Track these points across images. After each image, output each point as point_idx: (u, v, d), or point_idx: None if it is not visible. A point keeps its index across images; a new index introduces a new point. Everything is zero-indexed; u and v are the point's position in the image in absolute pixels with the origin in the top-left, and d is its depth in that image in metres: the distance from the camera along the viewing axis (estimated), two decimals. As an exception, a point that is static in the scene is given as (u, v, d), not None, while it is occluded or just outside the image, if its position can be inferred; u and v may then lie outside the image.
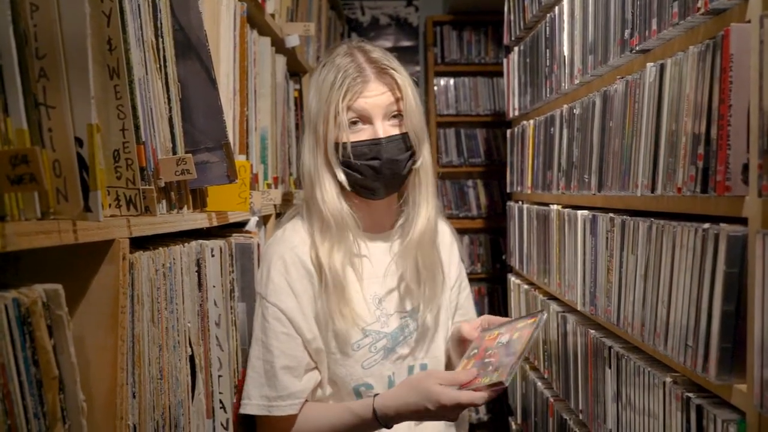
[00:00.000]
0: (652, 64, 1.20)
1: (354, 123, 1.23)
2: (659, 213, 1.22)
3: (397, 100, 1.25)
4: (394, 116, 1.25)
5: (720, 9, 1.03)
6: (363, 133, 1.24)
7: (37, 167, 0.55)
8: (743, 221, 0.95)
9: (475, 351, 1.20)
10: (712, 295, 0.98)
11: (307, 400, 1.27)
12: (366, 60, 1.25)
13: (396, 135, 1.25)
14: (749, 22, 0.95)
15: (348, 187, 1.25)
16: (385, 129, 1.24)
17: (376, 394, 1.22)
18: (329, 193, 1.24)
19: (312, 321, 1.25)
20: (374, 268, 1.30)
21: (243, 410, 1.23)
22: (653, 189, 1.19)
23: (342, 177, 1.24)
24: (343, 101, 1.22)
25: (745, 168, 0.94)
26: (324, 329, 1.26)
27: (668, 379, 1.14)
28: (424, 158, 1.28)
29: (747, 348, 0.93)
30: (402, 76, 1.26)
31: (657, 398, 1.17)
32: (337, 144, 1.23)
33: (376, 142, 1.23)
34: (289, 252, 1.26)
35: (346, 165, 1.24)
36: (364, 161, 1.23)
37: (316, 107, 1.25)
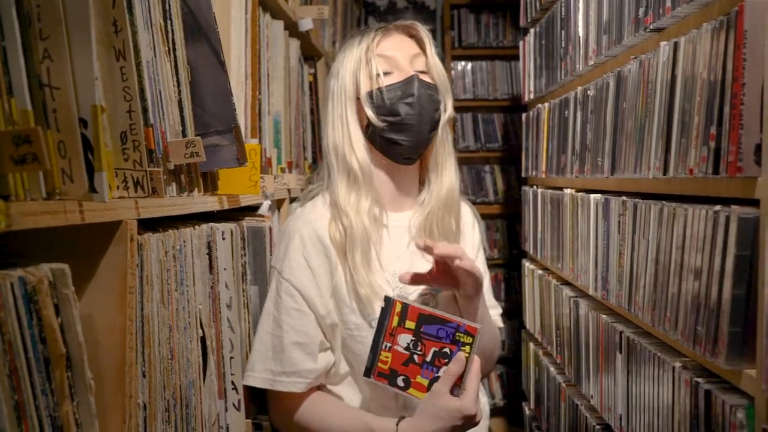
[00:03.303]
0: (665, 42, 1.18)
1: (384, 73, 1.26)
2: (672, 196, 1.20)
3: (421, 53, 1.29)
4: (419, 69, 1.28)
5: (735, -14, 1.00)
6: (392, 78, 1.27)
7: (40, 147, 0.56)
8: (755, 203, 0.94)
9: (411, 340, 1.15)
10: (723, 279, 0.97)
11: (320, 387, 1.26)
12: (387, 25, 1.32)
13: (428, 82, 1.28)
14: (764, -1, 0.93)
15: (380, 124, 1.24)
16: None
17: (401, 417, 1.18)
18: (359, 147, 1.26)
19: (327, 296, 1.24)
20: (394, 246, 1.29)
21: (245, 382, 1.22)
22: (665, 171, 1.17)
23: (372, 115, 1.25)
24: (373, 42, 1.27)
25: (758, 148, 0.93)
26: (344, 303, 1.24)
27: (677, 364, 1.13)
28: (448, 113, 1.31)
29: (757, 332, 0.92)
30: (424, 32, 1.30)
31: (666, 383, 1.17)
32: (370, 93, 1.26)
33: (408, 81, 1.25)
34: (307, 227, 1.26)
35: (380, 112, 1.25)
36: (399, 101, 1.25)
37: (343, 73, 1.28)
